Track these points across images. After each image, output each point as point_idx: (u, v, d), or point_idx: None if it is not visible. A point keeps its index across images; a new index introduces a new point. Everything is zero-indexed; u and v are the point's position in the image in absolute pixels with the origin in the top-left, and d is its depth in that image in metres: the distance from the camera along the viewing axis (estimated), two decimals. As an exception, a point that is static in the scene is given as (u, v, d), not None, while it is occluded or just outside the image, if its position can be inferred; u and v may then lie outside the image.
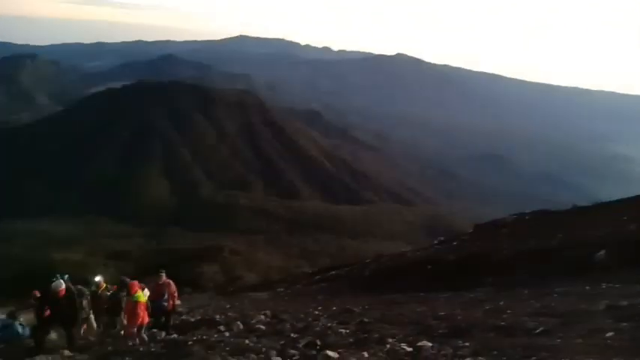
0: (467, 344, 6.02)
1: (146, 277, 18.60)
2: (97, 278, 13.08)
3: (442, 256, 17.75)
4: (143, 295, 10.62)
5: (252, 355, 6.28)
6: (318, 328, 8.34)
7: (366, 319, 9.06)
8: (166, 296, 11.16)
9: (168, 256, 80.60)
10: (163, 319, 11.51)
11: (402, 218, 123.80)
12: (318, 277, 25.90)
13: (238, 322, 10.30)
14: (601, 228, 14.39)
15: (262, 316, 11.48)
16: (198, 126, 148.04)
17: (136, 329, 10.19)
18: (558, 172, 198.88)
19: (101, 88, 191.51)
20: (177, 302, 12.22)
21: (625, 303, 7.25)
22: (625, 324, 6.05)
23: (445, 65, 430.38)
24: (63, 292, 9.64)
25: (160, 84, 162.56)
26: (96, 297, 12.36)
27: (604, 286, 9.76)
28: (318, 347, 6.51)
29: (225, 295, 28.06)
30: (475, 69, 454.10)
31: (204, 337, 8.48)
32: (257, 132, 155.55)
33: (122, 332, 10.77)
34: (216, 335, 8.66)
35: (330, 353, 5.51)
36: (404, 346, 6.11)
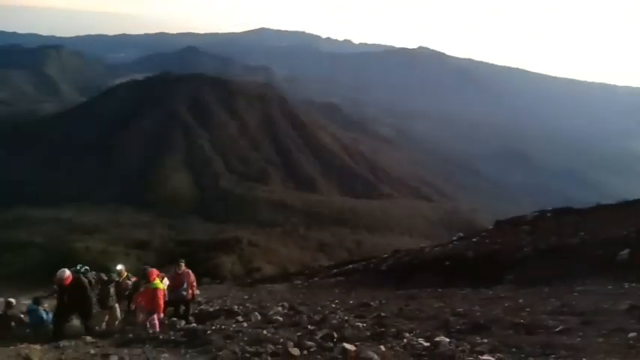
0: (485, 341, 5.99)
1: (166, 266, 18.93)
2: (119, 267, 13.37)
3: (461, 252, 17.60)
4: (161, 283, 10.82)
5: (270, 346, 6.35)
6: (335, 321, 8.38)
7: (383, 314, 9.07)
8: (185, 285, 11.35)
9: (187, 247, 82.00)
10: (183, 307, 11.71)
11: (420, 213, 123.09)
12: (335, 270, 25.94)
13: (256, 313, 10.40)
14: (625, 227, 14.08)
15: (280, 308, 11.57)
16: (219, 118, 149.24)
17: (155, 316, 10.39)
18: (582, 169, 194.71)
19: (124, 79, 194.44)
20: (197, 292, 12.40)
21: (648, 303, 7.11)
22: (648, 325, 5.94)
23: (468, 59, 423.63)
24: (69, 281, 9.56)
25: (182, 76, 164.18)
26: (117, 285, 12.65)
27: (627, 285, 9.58)
28: (335, 340, 6.54)
29: (243, 286, 28.33)
30: (499, 63, 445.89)
31: (223, 326, 8.59)
32: (277, 125, 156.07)
33: (139, 319, 10.99)
34: (234, 325, 8.77)
35: (347, 346, 5.54)
36: (421, 340, 6.11)
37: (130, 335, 9.01)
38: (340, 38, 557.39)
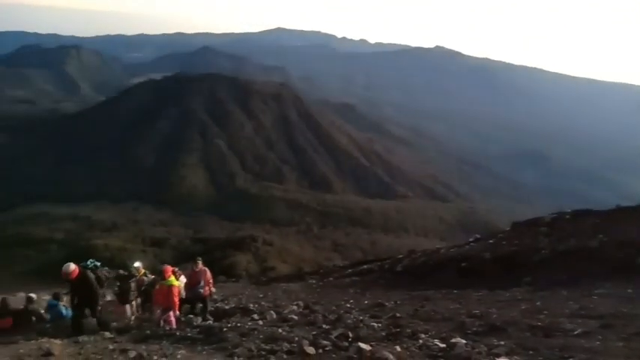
0: (502, 343, 5.94)
1: (182, 264, 19.13)
2: (137, 264, 13.54)
3: (477, 253, 17.43)
4: (176, 280, 10.93)
5: (285, 344, 6.39)
6: (349, 321, 8.39)
7: (398, 314, 9.05)
8: (202, 283, 11.46)
9: (203, 245, 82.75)
10: (200, 305, 11.83)
11: (435, 214, 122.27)
12: (349, 270, 25.90)
13: (271, 312, 10.46)
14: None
15: (295, 307, 11.61)
16: (235, 118, 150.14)
17: (170, 313, 10.51)
18: (600, 169, 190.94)
19: (142, 79, 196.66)
20: (213, 289, 12.51)
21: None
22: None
23: (485, 58, 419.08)
24: (74, 275, 9.55)
25: (199, 76, 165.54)
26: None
27: (647, 289, 9.41)
28: (350, 339, 6.55)
29: (258, 284, 28.47)
30: (516, 62, 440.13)
31: (239, 324, 8.65)
32: (292, 124, 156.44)
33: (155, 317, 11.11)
34: (250, 323, 8.83)
35: (362, 345, 5.55)
36: (437, 342, 6.09)
37: (148, 331, 9.15)
38: (356, 38, 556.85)
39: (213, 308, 13.01)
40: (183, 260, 53.78)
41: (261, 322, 8.96)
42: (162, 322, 10.30)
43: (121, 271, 13.14)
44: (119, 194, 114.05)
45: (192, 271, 11.73)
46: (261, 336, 7.18)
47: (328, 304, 12.23)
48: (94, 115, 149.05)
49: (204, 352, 6.71)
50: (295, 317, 9.40)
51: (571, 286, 11.02)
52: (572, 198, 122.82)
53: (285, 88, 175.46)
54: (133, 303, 12.58)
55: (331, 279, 23.64)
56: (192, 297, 11.65)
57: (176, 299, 10.64)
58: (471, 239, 23.10)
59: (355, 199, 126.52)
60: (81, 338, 8.74)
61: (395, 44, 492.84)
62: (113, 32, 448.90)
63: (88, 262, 10.06)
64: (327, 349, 6.07)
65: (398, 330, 7.09)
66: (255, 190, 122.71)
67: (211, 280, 11.91)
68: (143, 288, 12.79)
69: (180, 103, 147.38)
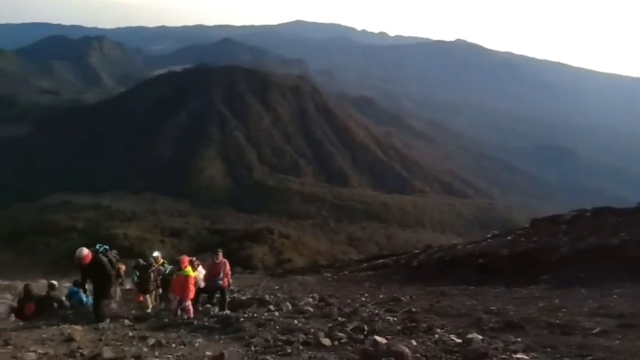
0: (519, 339, 5.90)
1: (200, 254, 19.37)
2: (155, 253, 13.74)
3: (495, 250, 17.26)
4: (193, 270, 11.07)
5: (301, 335, 6.44)
6: (365, 314, 8.40)
7: (413, 309, 9.03)
8: (222, 275, 11.59)
9: (221, 236, 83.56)
10: (218, 295, 11.98)
11: (453, 210, 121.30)
12: (365, 264, 25.92)
13: (287, 303, 10.53)
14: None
15: (310, 299, 11.67)
16: (254, 110, 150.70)
17: (188, 303, 10.66)
18: (625, 166, 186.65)
19: (162, 70, 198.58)
20: (231, 281, 12.64)
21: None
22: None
23: (508, 52, 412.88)
24: (87, 260, 9.49)
25: (219, 68, 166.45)
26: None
27: (668, 289, 9.23)
28: (365, 332, 6.58)
29: (273, 276, 28.66)
30: (539, 57, 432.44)
31: (255, 314, 8.75)
32: (310, 117, 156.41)
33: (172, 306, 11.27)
34: (266, 314, 8.92)
35: (378, 338, 5.56)
36: (453, 337, 6.07)
37: (166, 320, 9.30)
38: (375, 31, 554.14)
39: (229, 299, 13.17)
40: (200, 251, 54.48)
41: (277, 313, 9.03)
42: (179, 312, 10.45)
43: (141, 261, 13.34)
44: (138, 185, 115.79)
45: (212, 262, 11.87)
46: (277, 327, 7.25)
47: (343, 298, 12.26)
48: (115, 107, 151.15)
49: (222, 341, 6.81)
50: (311, 309, 9.45)
51: (590, 284, 10.86)
52: (594, 195, 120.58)
53: (303, 81, 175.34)
54: (153, 292, 12.81)
55: (346, 272, 23.69)
56: (212, 288, 11.80)
57: (192, 289, 10.77)
58: (488, 235, 22.87)
59: (372, 194, 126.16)
60: (101, 325, 8.93)
61: (415, 37, 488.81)
62: (135, 24, 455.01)
63: (97, 246, 10.16)
64: (342, 341, 6.10)
65: (414, 324, 7.08)
66: (272, 183, 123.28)
67: (230, 272, 12.04)
68: (160, 277, 13.01)
69: (199, 96, 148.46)
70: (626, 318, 6.78)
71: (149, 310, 12.11)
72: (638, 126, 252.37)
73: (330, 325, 7.30)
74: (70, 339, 7.16)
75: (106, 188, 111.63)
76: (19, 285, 15.44)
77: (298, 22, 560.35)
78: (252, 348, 6.07)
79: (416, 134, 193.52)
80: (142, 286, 12.65)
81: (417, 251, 24.69)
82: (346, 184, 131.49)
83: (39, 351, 5.93)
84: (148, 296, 12.75)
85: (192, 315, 10.25)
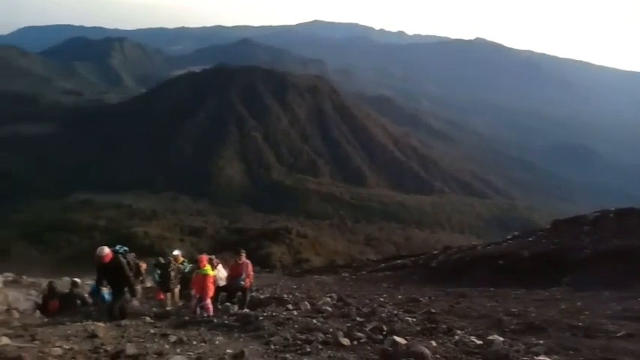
0: (541, 342, 5.83)
1: (219, 253, 19.52)
2: (175, 252, 13.94)
3: (516, 251, 17.06)
4: (212, 269, 11.19)
5: (320, 334, 6.45)
6: (383, 315, 8.38)
7: (433, 310, 8.98)
8: (244, 275, 11.69)
9: (239, 235, 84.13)
10: (239, 294, 12.09)
11: (473, 210, 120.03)
12: (383, 265, 25.86)
13: (305, 302, 10.56)
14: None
15: (328, 299, 11.67)
16: (272, 110, 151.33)
17: (208, 301, 10.78)
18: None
19: (182, 71, 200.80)
20: (253, 281, 12.69)
21: None
22: None
23: (528, 51, 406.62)
24: (108, 259, 9.57)
25: (237, 68, 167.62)
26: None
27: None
28: (384, 333, 6.56)
29: (291, 275, 28.76)
30: (561, 55, 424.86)
31: (274, 313, 8.79)
32: (327, 117, 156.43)
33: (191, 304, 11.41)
34: (284, 313, 8.95)
35: (397, 339, 5.54)
36: (473, 338, 6.02)
37: (186, 318, 9.42)
38: (394, 30, 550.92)
39: (249, 298, 13.27)
40: (219, 250, 54.93)
41: (295, 313, 9.06)
42: (197, 310, 10.57)
43: (161, 259, 13.54)
44: (159, 184, 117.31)
45: (235, 262, 11.97)
46: (296, 326, 7.27)
47: (362, 298, 12.25)
48: (136, 107, 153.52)
49: (241, 340, 6.87)
50: (329, 309, 9.45)
51: (613, 287, 10.66)
52: (617, 196, 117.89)
53: (321, 81, 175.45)
54: (176, 290, 12.98)
55: (364, 273, 23.66)
56: (234, 288, 11.91)
57: (211, 288, 10.89)
58: (509, 236, 22.61)
59: (390, 194, 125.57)
60: (123, 322, 9.07)
61: (434, 36, 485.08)
62: (155, 25, 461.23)
63: (117, 247, 10.27)
64: (361, 341, 6.10)
65: (433, 325, 7.04)
66: (289, 183, 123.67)
67: (252, 273, 12.13)
68: (180, 276, 13.19)
69: (218, 96, 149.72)
70: (652, 322, 6.64)
71: (169, 308, 12.29)
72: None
73: (348, 324, 7.30)
74: (93, 335, 7.29)
75: (127, 187, 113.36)
76: (44, 282, 15.79)
77: (316, 22, 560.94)
78: (272, 346, 6.11)
79: (435, 134, 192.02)
80: (164, 285, 12.85)
81: (435, 252, 24.55)
82: (364, 184, 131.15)
83: (64, 346, 6.05)
84: (169, 294, 12.95)
85: (211, 313, 10.36)
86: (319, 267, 39.70)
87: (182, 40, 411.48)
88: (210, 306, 10.79)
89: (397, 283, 17.75)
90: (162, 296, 13.13)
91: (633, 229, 15.36)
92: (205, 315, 9.97)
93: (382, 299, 11.97)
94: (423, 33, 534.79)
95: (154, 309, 11.88)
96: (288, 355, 5.63)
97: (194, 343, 6.65)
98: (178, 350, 6.16)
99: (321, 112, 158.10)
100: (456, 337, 6.18)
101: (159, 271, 12.97)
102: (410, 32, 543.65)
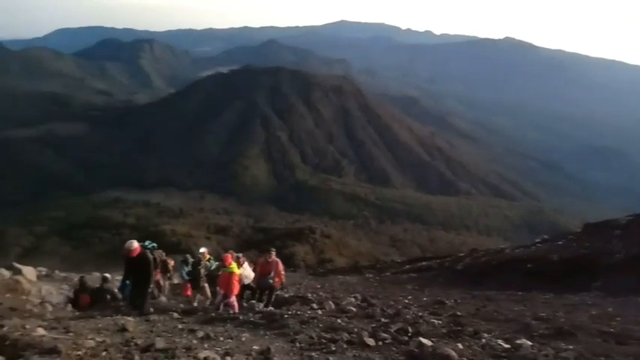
0: (570, 347, 5.71)
1: (244, 251, 19.70)
2: (202, 249, 14.14)
3: (545, 255, 16.68)
4: (238, 267, 11.32)
5: (345, 334, 6.47)
6: (408, 316, 8.33)
7: (458, 313, 8.89)
8: (272, 274, 11.77)
9: (264, 234, 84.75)
10: (267, 292, 12.19)
11: (500, 212, 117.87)
12: (407, 266, 25.64)
13: (330, 302, 10.59)
14: None
15: (353, 299, 11.67)
16: (297, 110, 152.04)
17: (233, 299, 10.92)
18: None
19: (210, 72, 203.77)
20: (284, 280, 12.73)
21: None
22: None
23: (559, 50, 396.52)
24: (135, 253, 9.59)
25: (263, 69, 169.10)
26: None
27: None
28: (409, 334, 6.53)
29: (315, 275, 28.80)
30: (592, 54, 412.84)
31: (299, 312, 8.84)
32: (352, 118, 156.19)
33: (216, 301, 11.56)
34: (309, 312, 9.00)
35: (423, 340, 5.52)
36: (500, 342, 5.93)
37: (213, 314, 9.56)
38: (421, 29, 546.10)
39: (274, 297, 13.37)
40: (245, 248, 55.45)
41: (320, 312, 9.09)
42: (221, 306, 10.71)
43: (189, 257, 13.77)
44: (186, 182, 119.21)
45: (264, 261, 12.05)
46: (320, 325, 7.30)
47: (386, 299, 12.20)
48: (165, 107, 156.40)
49: (267, 337, 6.94)
50: (353, 309, 9.45)
51: (647, 293, 10.34)
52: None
53: (346, 81, 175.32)
54: (206, 287, 13.19)
55: (388, 274, 23.52)
56: (262, 286, 11.99)
57: (236, 285, 11.02)
58: (537, 240, 22.15)
59: (415, 195, 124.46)
60: (151, 317, 9.26)
61: (462, 35, 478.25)
62: (183, 27, 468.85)
63: (146, 243, 10.31)
64: (386, 341, 6.09)
65: (459, 328, 6.97)
66: (314, 183, 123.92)
67: (283, 272, 12.17)
68: (206, 273, 13.39)
69: (244, 96, 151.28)
70: (688, 329, 6.44)
71: (195, 304, 12.49)
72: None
73: (373, 325, 7.29)
74: (123, 329, 7.47)
75: (156, 185, 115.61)
76: (75, 277, 16.23)
77: (342, 23, 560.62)
78: (297, 344, 6.16)
79: (461, 135, 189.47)
80: (194, 282, 13.10)
81: (462, 254, 24.21)
82: (388, 184, 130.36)
83: (97, 339, 6.24)
84: (199, 291, 13.17)
85: (237, 310, 10.49)
86: (343, 267, 39.63)
87: (210, 41, 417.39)
88: (235, 303, 10.93)
89: (422, 285, 17.58)
90: (189, 292, 13.35)
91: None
92: (231, 312, 10.10)
93: (407, 301, 11.89)
94: (451, 32, 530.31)
95: (181, 305, 12.09)
96: (313, 354, 5.66)
97: (221, 339, 6.76)
98: (206, 345, 6.27)
99: (345, 112, 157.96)
100: (483, 340, 6.10)
101: (187, 268, 13.20)
102: (437, 32, 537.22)
